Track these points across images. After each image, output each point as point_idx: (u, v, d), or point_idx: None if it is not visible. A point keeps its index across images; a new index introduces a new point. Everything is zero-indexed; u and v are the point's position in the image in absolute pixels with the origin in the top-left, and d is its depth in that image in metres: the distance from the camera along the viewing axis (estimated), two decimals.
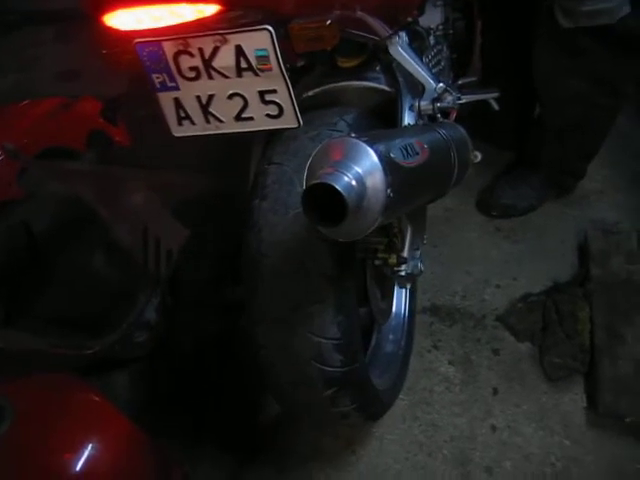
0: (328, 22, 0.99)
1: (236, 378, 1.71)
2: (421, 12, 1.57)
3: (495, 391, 1.65)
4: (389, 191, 0.95)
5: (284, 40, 1.02)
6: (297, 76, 1.47)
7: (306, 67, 1.47)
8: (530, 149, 2.03)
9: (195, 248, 1.82)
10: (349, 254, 1.25)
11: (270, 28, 0.97)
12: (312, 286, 1.20)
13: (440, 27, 1.68)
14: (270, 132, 1.27)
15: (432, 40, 1.62)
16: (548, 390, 1.64)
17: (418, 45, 1.53)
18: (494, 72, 2.01)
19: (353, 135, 0.99)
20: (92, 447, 1.30)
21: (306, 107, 1.39)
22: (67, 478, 1.27)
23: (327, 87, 1.43)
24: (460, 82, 1.73)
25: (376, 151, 0.96)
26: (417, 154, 1.08)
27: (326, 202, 0.91)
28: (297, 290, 1.20)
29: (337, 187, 0.89)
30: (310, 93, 1.43)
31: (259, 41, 0.98)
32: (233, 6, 0.93)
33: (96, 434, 1.34)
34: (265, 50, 0.99)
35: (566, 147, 1.91)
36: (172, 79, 1.05)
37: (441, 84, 1.36)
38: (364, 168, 0.94)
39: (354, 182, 0.92)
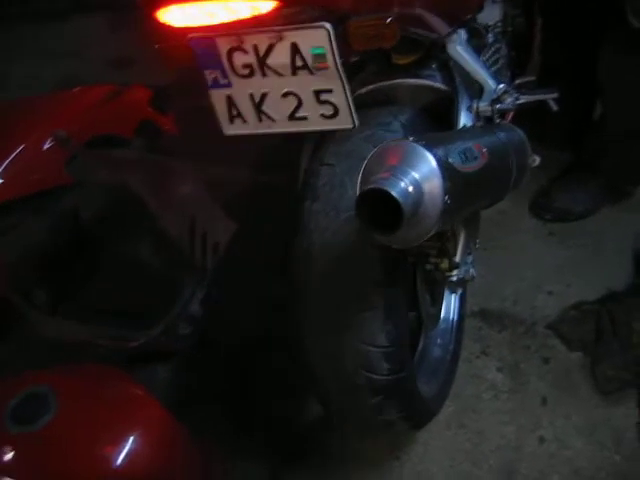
0: (388, 20, 0.96)
1: (280, 377, 1.69)
2: (479, 9, 1.52)
3: (544, 401, 1.60)
4: (447, 197, 0.92)
5: (340, 38, 0.98)
6: (350, 72, 1.44)
7: (360, 63, 1.43)
8: (588, 153, 1.97)
9: (242, 243, 1.80)
10: (400, 260, 1.21)
11: (328, 26, 0.93)
12: (361, 292, 1.17)
13: (499, 24, 1.62)
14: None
15: (490, 38, 1.57)
16: (600, 403, 1.58)
17: (476, 43, 1.48)
18: (553, 71, 1.95)
19: (411, 139, 0.96)
20: (133, 440, 1.29)
21: (359, 105, 1.35)
22: (108, 471, 1.27)
23: (381, 84, 1.39)
24: (518, 82, 1.67)
25: (434, 156, 0.92)
26: (476, 158, 1.04)
27: (380, 208, 0.88)
28: (345, 296, 1.18)
29: (393, 193, 0.86)
30: (364, 90, 1.39)
31: (316, 39, 0.95)
32: (290, 3, 0.90)
33: (138, 427, 1.33)
34: (322, 48, 0.95)
35: (628, 152, 1.85)
36: (225, 76, 1.02)
37: (502, 85, 1.31)
38: (422, 173, 0.90)
39: (411, 188, 0.89)
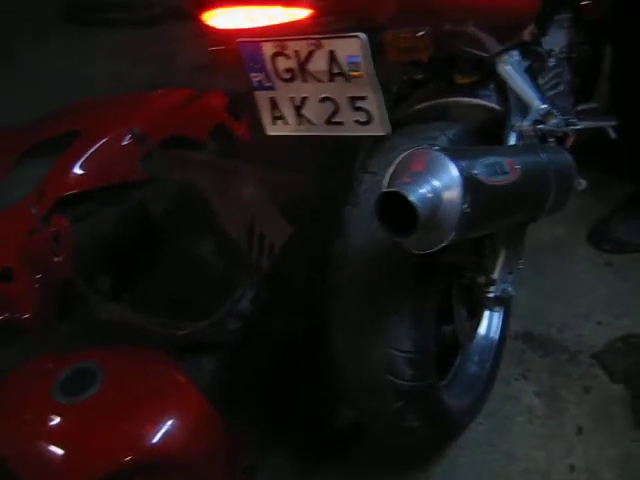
0: (421, 34, 1.00)
1: (319, 378, 1.73)
2: (543, 32, 1.53)
3: (579, 430, 1.58)
4: (465, 207, 0.95)
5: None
6: (413, 89, 1.49)
7: (423, 81, 1.48)
8: None
9: (296, 246, 1.86)
10: (433, 269, 1.24)
11: (362, 36, 0.98)
12: (390, 297, 1.21)
13: (563, 49, 1.63)
14: (375, 140, 1.29)
15: (552, 62, 1.58)
16: (636, 437, 1.54)
17: (537, 66, 1.50)
18: (621, 101, 1.93)
19: (437, 147, 1.00)
20: (170, 423, 1.37)
21: (414, 119, 1.40)
22: (142, 447, 1.34)
23: (438, 101, 1.43)
24: (580, 108, 1.67)
25: (457, 165, 0.96)
26: (505, 173, 1.06)
27: (401, 211, 0.92)
28: (375, 299, 1.22)
29: (410, 197, 0.90)
30: (420, 106, 1.44)
31: (351, 48, 1.00)
32: (325, 12, 0.95)
33: (176, 411, 1.41)
34: (357, 57, 1.00)
35: None
36: (269, 79, 1.09)
37: (545, 106, 1.33)
38: (442, 181, 0.94)
39: (429, 194, 0.93)
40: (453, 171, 0.95)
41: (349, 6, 0.97)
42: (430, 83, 1.48)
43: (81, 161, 1.82)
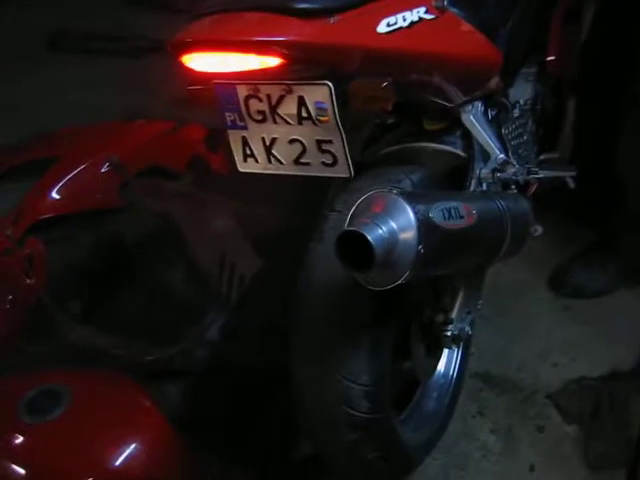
0: (384, 84, 1.06)
1: (284, 411, 1.76)
2: (509, 84, 1.60)
3: (532, 468, 1.63)
4: (420, 248, 1.00)
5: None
6: (383, 132, 1.55)
7: (394, 125, 1.54)
8: (611, 235, 2.01)
9: (266, 279, 1.91)
10: (391, 305, 1.29)
11: (330, 84, 1.05)
12: (349, 331, 1.25)
13: (528, 101, 1.71)
14: (343, 181, 1.34)
15: (517, 113, 1.65)
16: (587, 477, 1.60)
17: (501, 116, 1.57)
18: (584, 152, 2.01)
19: (395, 191, 1.05)
20: (134, 447, 1.39)
21: (381, 162, 1.47)
22: (105, 471, 1.36)
23: (405, 145, 1.49)
24: (542, 157, 1.74)
25: (413, 208, 1.01)
26: (461, 218, 1.12)
27: (360, 250, 0.98)
28: (334, 333, 1.26)
29: (367, 236, 0.96)
30: (389, 149, 1.50)
31: (319, 94, 1.06)
32: (295, 61, 1.01)
33: (140, 436, 1.44)
34: (324, 103, 1.06)
35: None
36: (242, 119, 1.14)
37: (502, 155, 1.39)
38: (399, 223, 1.00)
39: (386, 235, 0.98)
40: (410, 214, 1.00)
41: (317, 57, 1.03)
42: (400, 127, 1.54)
43: (59, 186, 1.85)
